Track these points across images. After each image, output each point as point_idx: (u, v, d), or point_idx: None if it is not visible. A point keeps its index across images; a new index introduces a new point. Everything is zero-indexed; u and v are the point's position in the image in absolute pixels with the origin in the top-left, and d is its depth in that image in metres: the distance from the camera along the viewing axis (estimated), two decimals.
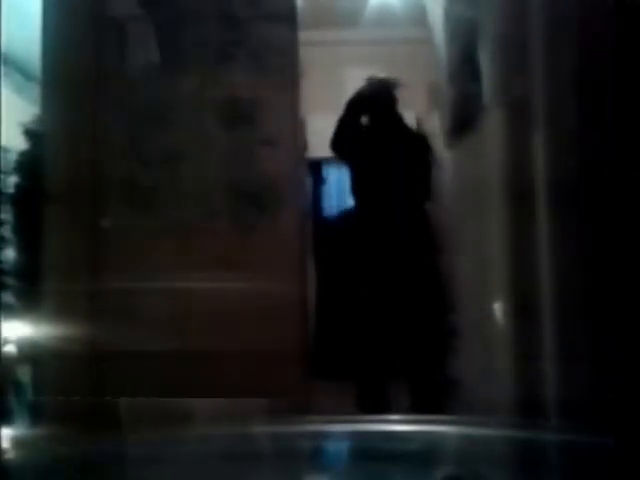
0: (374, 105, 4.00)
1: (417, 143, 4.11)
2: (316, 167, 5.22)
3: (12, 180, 3.85)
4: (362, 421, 2.96)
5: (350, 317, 4.40)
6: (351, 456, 2.76)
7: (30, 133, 3.87)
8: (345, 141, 4.01)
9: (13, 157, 3.85)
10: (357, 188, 4.08)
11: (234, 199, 3.52)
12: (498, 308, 3.42)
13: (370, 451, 2.67)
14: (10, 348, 3.45)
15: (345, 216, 4.77)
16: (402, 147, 4.00)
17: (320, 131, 5.03)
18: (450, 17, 4.13)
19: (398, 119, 4.06)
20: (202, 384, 3.25)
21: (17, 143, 3.84)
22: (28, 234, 3.67)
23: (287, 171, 3.58)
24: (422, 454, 2.64)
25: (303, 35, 3.73)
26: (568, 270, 3.20)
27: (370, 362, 4.11)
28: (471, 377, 3.60)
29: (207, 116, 3.52)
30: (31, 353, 3.47)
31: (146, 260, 3.42)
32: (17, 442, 2.87)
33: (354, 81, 5.44)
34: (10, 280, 3.62)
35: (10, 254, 3.76)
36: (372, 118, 4.05)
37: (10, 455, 2.62)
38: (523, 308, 3.24)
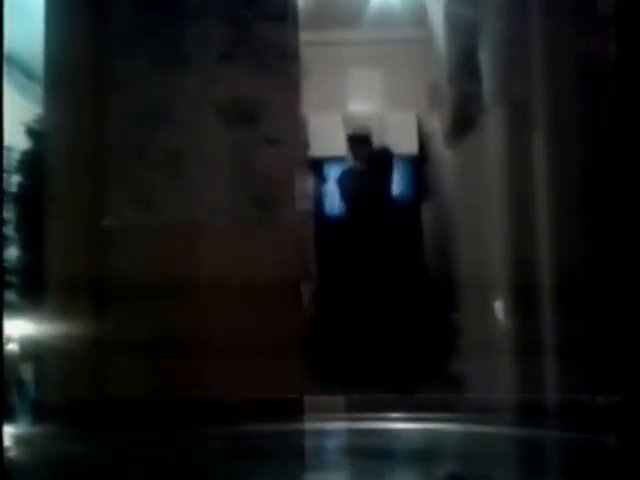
0: (357, 142, 4.92)
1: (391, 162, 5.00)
2: (317, 166, 5.22)
3: (15, 179, 3.85)
4: (363, 419, 2.97)
5: (351, 315, 4.42)
6: (352, 454, 2.77)
7: (32, 132, 3.88)
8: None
9: (16, 156, 3.85)
10: (349, 206, 4.89)
11: (236, 198, 3.53)
12: (498, 306, 3.43)
13: (372, 449, 2.68)
14: (13, 346, 3.46)
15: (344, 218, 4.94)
16: (382, 170, 4.89)
17: (322, 130, 5.05)
18: (450, 17, 4.14)
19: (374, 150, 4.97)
20: (203, 381, 3.26)
21: (19, 142, 3.84)
22: (30, 233, 3.67)
23: (289, 170, 3.59)
24: (424, 452, 2.65)
25: (305, 35, 3.74)
26: (569, 269, 3.21)
27: (369, 360, 4.13)
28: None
29: (209, 115, 3.53)
30: (33, 351, 3.47)
31: (147, 258, 3.43)
32: (19, 440, 2.88)
33: (355, 81, 5.46)
34: (13, 278, 3.62)
35: (13, 253, 3.76)
36: (355, 152, 4.95)
37: (12, 453, 2.64)
38: (522, 306, 3.26)
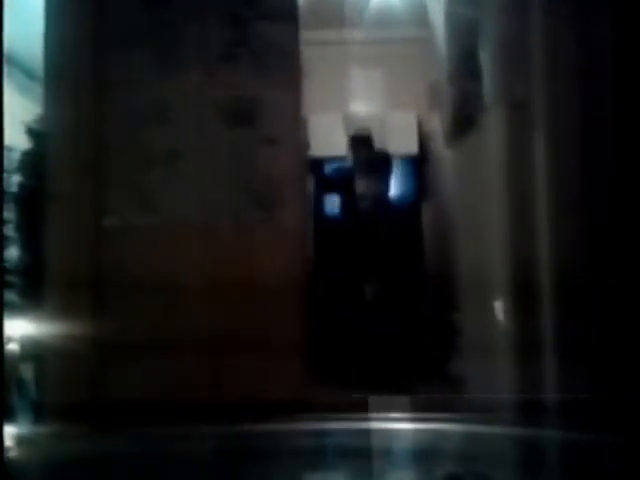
0: (357, 143, 4.97)
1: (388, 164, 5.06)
2: (317, 166, 5.22)
3: (15, 179, 3.85)
4: (364, 419, 2.97)
5: (351, 315, 4.43)
6: (353, 454, 2.77)
7: (33, 132, 3.88)
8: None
9: (16, 156, 3.85)
10: (346, 205, 4.92)
11: (236, 197, 3.54)
12: (499, 306, 3.43)
13: (373, 449, 2.68)
14: (13, 346, 3.46)
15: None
16: (379, 170, 4.95)
17: (322, 130, 5.05)
18: (451, 17, 4.14)
19: (375, 151, 5.03)
20: (202, 381, 3.27)
21: (20, 142, 3.84)
22: (30, 233, 3.67)
23: (289, 170, 3.60)
24: (424, 452, 2.65)
25: (305, 35, 3.74)
26: (569, 269, 3.21)
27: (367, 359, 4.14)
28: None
29: (209, 115, 3.53)
30: (34, 351, 3.47)
31: (147, 258, 3.44)
32: (20, 440, 2.89)
33: (355, 81, 5.46)
34: (13, 278, 3.62)
35: (13, 253, 3.76)
36: (356, 153, 4.99)
37: (13, 452, 2.64)
38: (522, 306, 3.26)
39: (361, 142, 4.87)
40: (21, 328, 3.48)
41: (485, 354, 3.41)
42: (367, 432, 2.90)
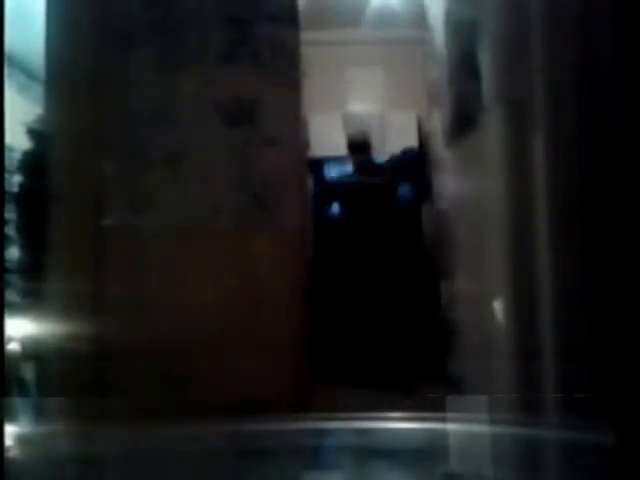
0: (357, 147, 5.00)
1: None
2: (317, 166, 5.23)
3: (16, 179, 3.86)
4: (363, 418, 2.98)
5: (350, 314, 4.44)
6: (352, 453, 2.77)
7: (33, 132, 3.88)
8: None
9: (17, 156, 3.86)
10: (346, 209, 4.99)
11: (236, 198, 3.54)
12: (498, 307, 3.44)
13: (372, 448, 2.68)
14: (14, 346, 3.46)
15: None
16: (376, 173, 5.04)
17: (322, 130, 5.06)
18: (450, 17, 4.15)
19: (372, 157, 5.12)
20: (202, 380, 3.27)
21: (21, 142, 3.85)
22: (32, 233, 3.68)
23: (289, 170, 3.60)
24: (423, 452, 2.65)
25: (305, 35, 3.75)
26: (568, 269, 3.22)
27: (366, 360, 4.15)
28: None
29: (209, 116, 3.53)
30: (35, 351, 3.48)
31: (147, 258, 3.44)
32: (21, 440, 2.89)
33: (355, 81, 5.47)
34: (14, 278, 3.62)
35: (14, 252, 3.77)
36: (355, 157, 5.04)
37: (14, 453, 2.64)
38: (522, 306, 3.26)
39: (358, 147, 4.87)
40: (22, 328, 3.48)
41: (485, 354, 3.42)
42: (367, 432, 2.90)
